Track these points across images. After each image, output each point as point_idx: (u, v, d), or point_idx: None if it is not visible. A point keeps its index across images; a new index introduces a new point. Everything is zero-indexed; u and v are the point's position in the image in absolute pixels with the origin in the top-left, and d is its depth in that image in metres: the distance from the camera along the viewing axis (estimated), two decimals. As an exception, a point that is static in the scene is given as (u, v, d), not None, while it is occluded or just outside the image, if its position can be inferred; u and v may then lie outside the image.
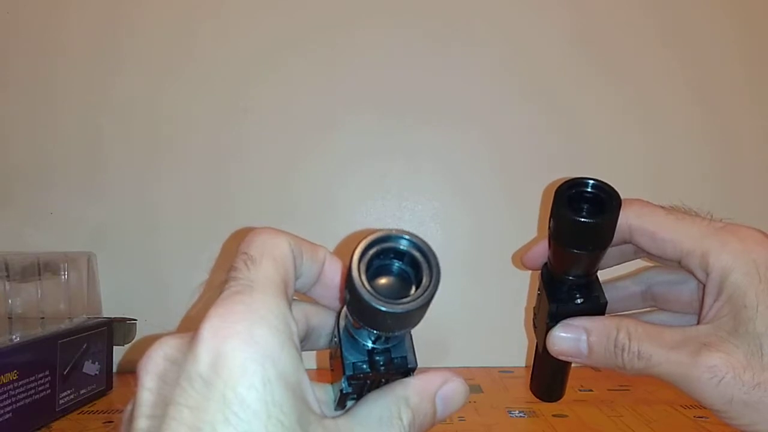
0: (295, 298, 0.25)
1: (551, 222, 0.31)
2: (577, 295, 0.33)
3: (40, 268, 0.62)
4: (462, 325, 0.78)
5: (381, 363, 0.24)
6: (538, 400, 0.39)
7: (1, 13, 0.81)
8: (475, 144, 0.80)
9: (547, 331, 0.32)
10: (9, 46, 0.81)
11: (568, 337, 0.32)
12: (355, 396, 0.25)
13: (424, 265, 0.22)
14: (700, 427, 0.54)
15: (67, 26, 0.81)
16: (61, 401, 0.59)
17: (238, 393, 0.19)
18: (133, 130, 0.81)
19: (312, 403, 0.22)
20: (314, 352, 0.29)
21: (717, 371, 0.27)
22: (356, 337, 0.25)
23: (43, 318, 0.61)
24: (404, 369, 0.25)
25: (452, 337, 0.77)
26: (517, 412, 0.59)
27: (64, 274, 0.66)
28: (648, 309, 0.37)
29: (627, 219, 0.31)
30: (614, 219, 0.30)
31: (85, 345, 0.63)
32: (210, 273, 0.73)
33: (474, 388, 0.67)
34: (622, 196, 0.30)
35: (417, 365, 0.25)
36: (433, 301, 0.22)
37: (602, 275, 0.33)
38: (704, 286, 0.30)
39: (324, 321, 0.28)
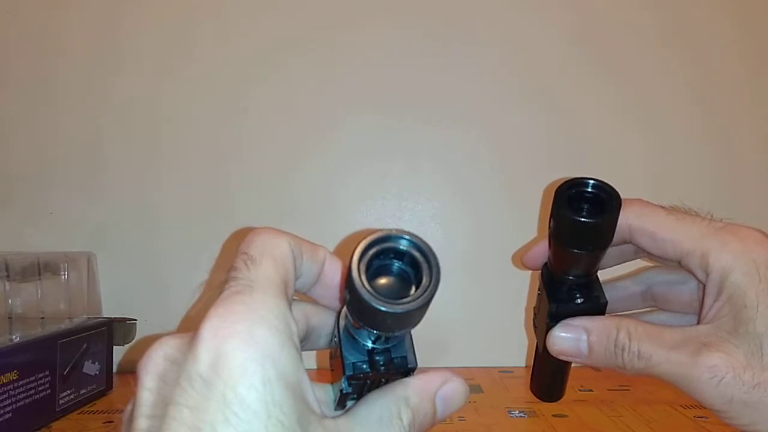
0: (295, 298, 0.25)
1: (551, 222, 0.31)
2: (577, 295, 0.33)
3: (40, 268, 0.62)
4: (462, 325, 0.78)
5: (381, 363, 0.24)
6: (538, 400, 0.39)
7: (1, 13, 0.81)
8: (475, 144, 0.80)
9: (547, 331, 0.32)
10: (9, 46, 0.81)
11: (568, 337, 0.32)
12: (355, 396, 0.25)
13: (424, 265, 0.22)
14: (700, 427, 0.54)
15: (67, 26, 0.81)
16: (61, 401, 0.59)
17: (238, 393, 0.19)
18: (133, 130, 0.81)
19: (312, 403, 0.22)
20: (314, 352, 0.29)
21: (717, 371, 0.27)
22: (356, 337, 0.25)
23: (43, 318, 0.61)
24: (404, 369, 0.25)
25: (452, 337, 0.77)
26: (517, 412, 0.59)
27: (64, 274, 0.66)
28: (648, 309, 0.37)
29: (627, 219, 0.31)
30: (614, 219, 0.30)
31: (85, 345, 0.63)
32: (210, 273, 0.73)
33: (474, 388, 0.67)
34: (622, 196, 0.30)
35: (417, 365, 0.25)
36: (433, 301, 0.22)
37: (602, 275, 0.33)
38: (704, 286, 0.30)
39: (324, 321, 0.28)
